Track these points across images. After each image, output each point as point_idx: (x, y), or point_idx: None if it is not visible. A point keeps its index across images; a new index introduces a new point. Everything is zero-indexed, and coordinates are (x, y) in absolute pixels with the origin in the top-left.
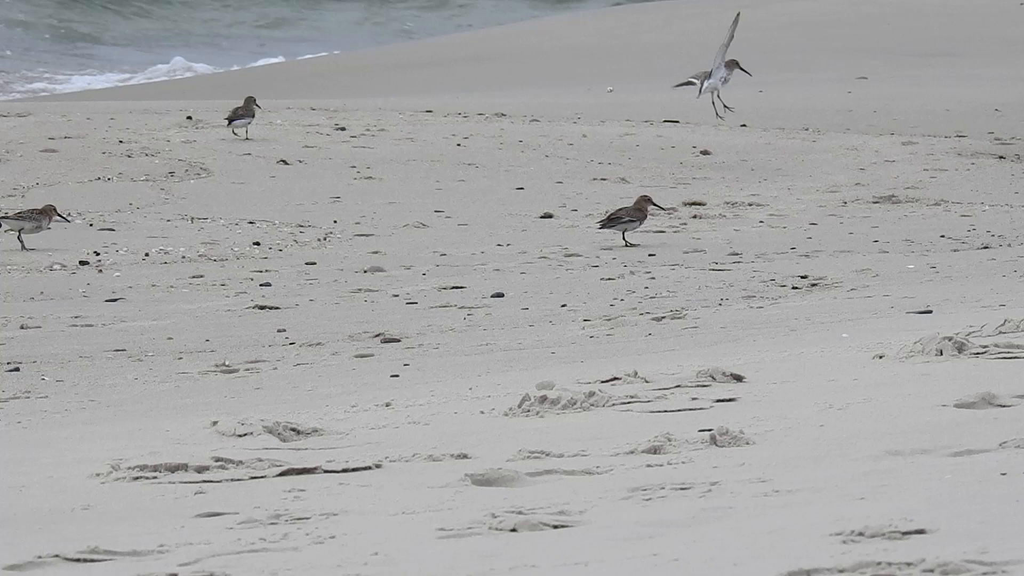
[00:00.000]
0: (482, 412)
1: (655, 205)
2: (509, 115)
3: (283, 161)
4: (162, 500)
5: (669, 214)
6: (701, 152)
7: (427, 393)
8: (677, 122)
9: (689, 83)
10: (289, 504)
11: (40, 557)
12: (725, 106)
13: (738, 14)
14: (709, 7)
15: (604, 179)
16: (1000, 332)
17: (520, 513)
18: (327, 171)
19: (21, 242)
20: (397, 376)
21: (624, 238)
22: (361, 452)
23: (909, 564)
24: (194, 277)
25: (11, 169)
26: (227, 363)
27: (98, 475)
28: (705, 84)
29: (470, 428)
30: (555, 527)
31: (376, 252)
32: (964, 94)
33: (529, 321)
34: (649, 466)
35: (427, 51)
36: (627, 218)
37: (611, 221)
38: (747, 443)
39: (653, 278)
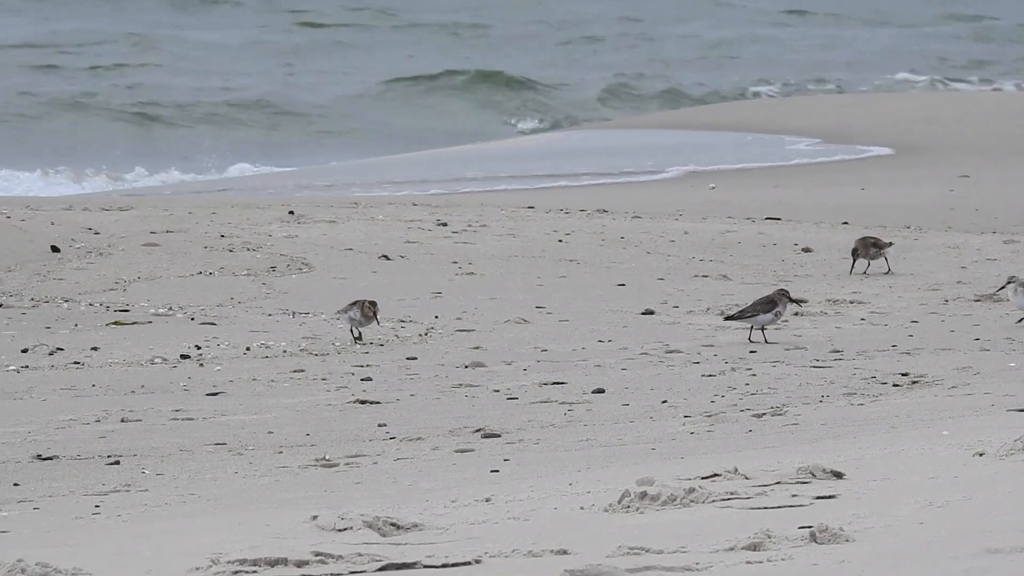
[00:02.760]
0: (582, 508)
1: (792, 300)
2: (611, 211)
3: (385, 256)
4: None
5: (801, 311)
6: (803, 249)
7: (527, 488)
8: (779, 219)
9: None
10: None
11: None
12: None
13: None
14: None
15: (705, 275)
16: None
17: None
18: (429, 266)
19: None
20: (497, 471)
21: (761, 332)
22: (461, 547)
23: None
24: (295, 371)
25: (113, 263)
26: (327, 457)
27: (197, 569)
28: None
29: (570, 524)
30: None
31: (477, 347)
32: None
33: (629, 417)
34: (749, 563)
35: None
36: (751, 312)
37: (740, 314)
38: (847, 540)
39: (754, 375)
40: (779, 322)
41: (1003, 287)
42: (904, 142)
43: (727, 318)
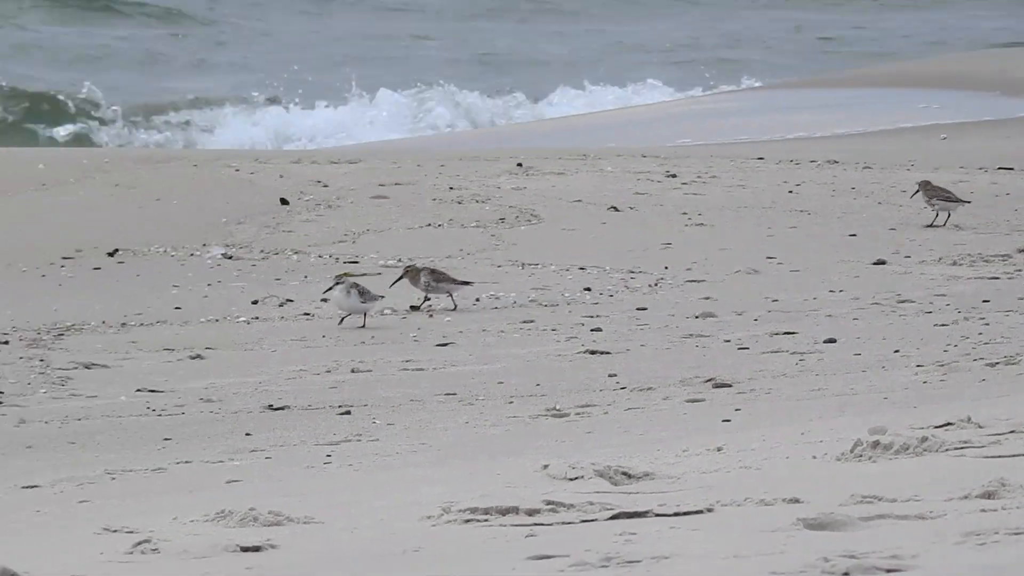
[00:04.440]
0: (814, 457)
1: None
2: (841, 162)
3: (614, 207)
4: (493, 543)
5: None
6: None
7: (758, 437)
8: (1012, 169)
9: None
10: (620, 547)
11: None
12: None
13: None
14: None
15: (937, 226)
16: None
17: (853, 558)
18: (658, 217)
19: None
20: (728, 421)
21: None
22: (692, 496)
23: None
24: (525, 322)
25: (342, 215)
26: (558, 407)
27: (429, 517)
28: None
29: (802, 473)
30: (888, 571)
31: (707, 298)
32: None
33: (861, 366)
34: (983, 511)
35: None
36: None
37: None
38: None
39: (987, 324)
40: None
41: None
42: None
43: None
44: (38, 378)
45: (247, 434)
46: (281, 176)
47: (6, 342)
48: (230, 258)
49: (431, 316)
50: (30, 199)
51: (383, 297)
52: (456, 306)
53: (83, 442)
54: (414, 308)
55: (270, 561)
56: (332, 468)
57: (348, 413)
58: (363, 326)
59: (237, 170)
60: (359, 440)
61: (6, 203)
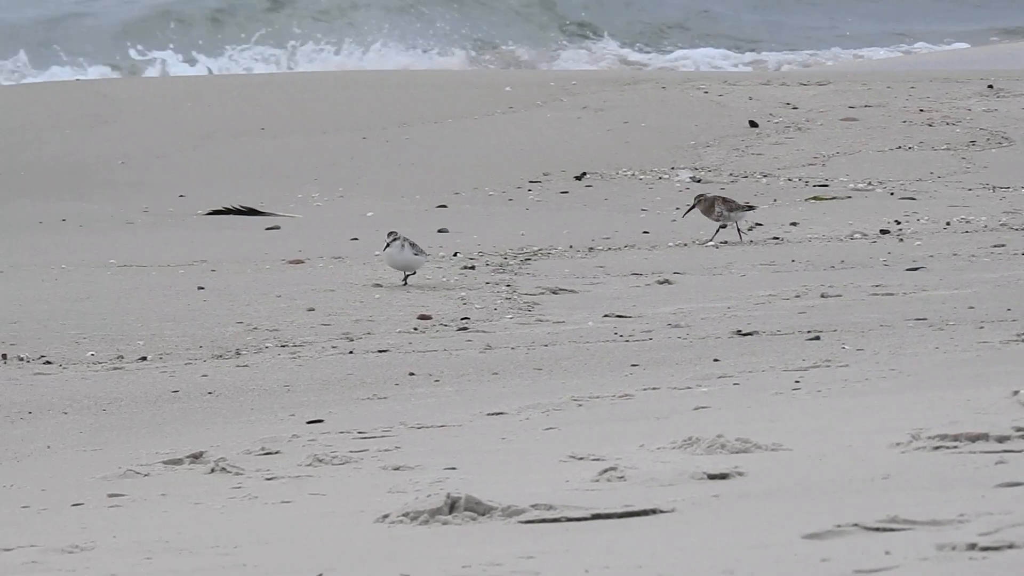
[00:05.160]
0: None
1: None
2: None
3: None
4: (962, 470)
5: None
6: None
7: None
8: None
9: None
10: None
11: (839, 526)
12: None
13: None
14: None
15: None
16: None
17: None
18: None
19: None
20: None
21: None
22: None
23: None
24: (995, 246)
25: (811, 138)
26: None
27: (898, 444)
28: None
29: None
30: None
31: None
32: None
33: None
34: None
35: None
36: None
37: None
38: None
39: None
40: None
41: None
42: None
43: None
44: (504, 304)
45: (715, 360)
46: (750, 98)
47: (472, 267)
48: (698, 181)
49: (717, 248)
50: (497, 122)
51: (429, 255)
52: (742, 238)
53: (549, 368)
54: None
55: (736, 488)
56: (800, 394)
57: (817, 339)
58: (405, 282)
59: (706, 92)
60: (828, 366)
61: (474, 126)
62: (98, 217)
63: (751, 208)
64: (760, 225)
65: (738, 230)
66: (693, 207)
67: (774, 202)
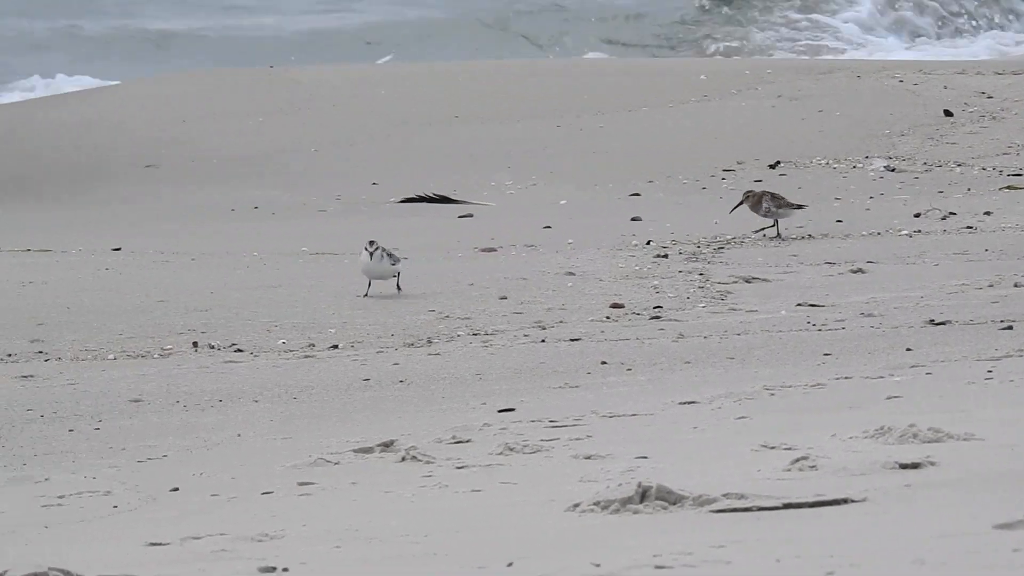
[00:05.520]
0: None
1: None
2: None
3: None
4: None
5: None
6: None
7: None
8: None
9: None
10: None
11: None
12: None
13: None
14: None
15: None
16: None
17: None
18: None
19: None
20: None
21: None
22: None
23: None
24: None
25: (1006, 127)
26: None
27: None
28: None
29: None
30: None
31: None
32: None
33: None
34: None
35: None
36: None
37: None
38: None
39: None
40: None
41: None
42: None
43: None
44: (697, 292)
45: (907, 349)
46: (945, 87)
47: (665, 255)
48: (892, 170)
49: (772, 239)
50: (691, 110)
51: (406, 259)
52: (780, 234)
53: (741, 357)
54: (759, 232)
55: (928, 478)
56: (993, 384)
57: (1010, 328)
58: (400, 289)
59: (900, 81)
60: (1021, 356)
61: (668, 114)
62: (290, 205)
63: (801, 207)
64: (953, 215)
65: (777, 231)
66: (741, 203)
67: (968, 191)
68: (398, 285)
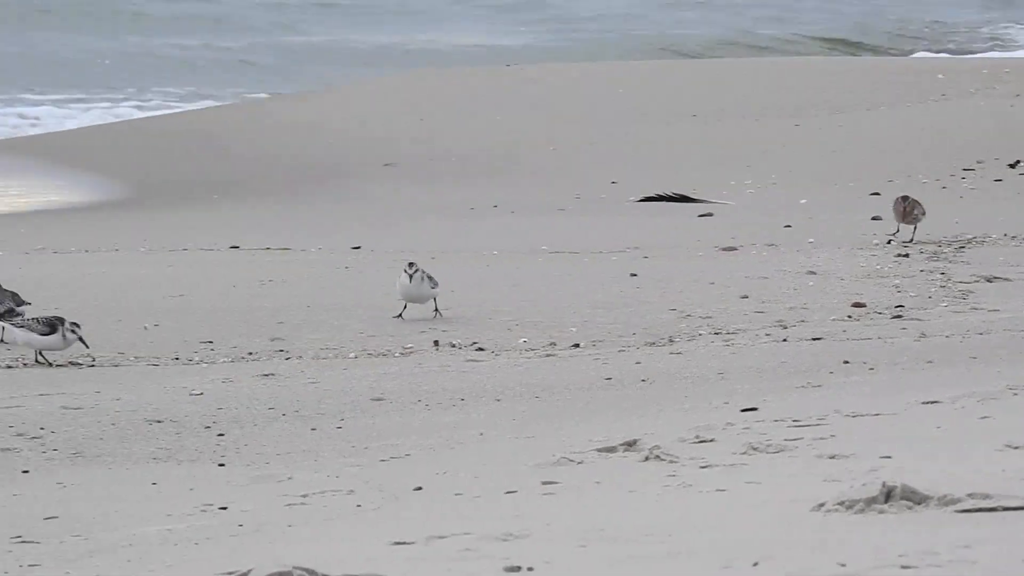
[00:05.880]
0: None
1: None
2: None
3: None
4: None
5: None
6: None
7: None
8: None
9: None
10: None
11: None
12: None
13: None
14: None
15: None
16: None
17: None
18: None
19: None
20: None
21: None
22: None
23: None
24: None
25: None
26: None
27: None
28: None
29: None
30: None
31: None
32: None
33: None
34: None
35: None
36: None
37: None
38: None
39: None
40: None
41: None
42: None
43: None
44: (939, 291)
45: None
46: None
47: (906, 255)
48: None
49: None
50: (930, 109)
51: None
52: (913, 238)
53: (984, 357)
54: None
55: None
56: None
57: None
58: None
59: None
60: None
61: (906, 113)
62: (528, 203)
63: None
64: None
65: (913, 232)
66: (912, 208)
67: None
68: (436, 308)
